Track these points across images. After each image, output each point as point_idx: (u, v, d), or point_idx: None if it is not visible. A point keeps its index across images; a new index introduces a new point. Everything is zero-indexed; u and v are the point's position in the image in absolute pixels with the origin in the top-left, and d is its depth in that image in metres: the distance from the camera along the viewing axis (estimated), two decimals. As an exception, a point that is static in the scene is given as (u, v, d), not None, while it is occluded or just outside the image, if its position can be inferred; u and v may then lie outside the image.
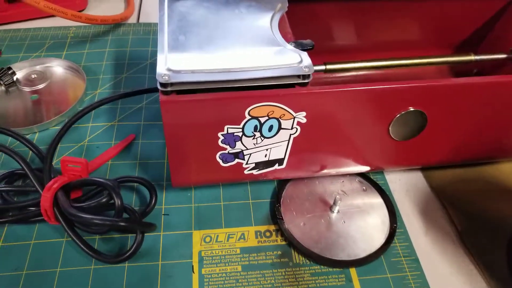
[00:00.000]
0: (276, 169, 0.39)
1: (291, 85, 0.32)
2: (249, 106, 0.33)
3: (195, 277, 0.35)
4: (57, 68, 0.54)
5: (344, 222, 0.39)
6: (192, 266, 0.36)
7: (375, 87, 0.33)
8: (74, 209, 0.32)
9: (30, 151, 0.44)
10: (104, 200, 0.34)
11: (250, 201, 0.41)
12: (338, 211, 0.39)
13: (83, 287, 0.34)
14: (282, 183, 0.42)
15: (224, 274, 0.35)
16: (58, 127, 0.47)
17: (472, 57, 0.42)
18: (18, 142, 0.41)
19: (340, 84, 0.33)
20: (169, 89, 0.31)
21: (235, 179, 0.40)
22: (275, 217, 0.39)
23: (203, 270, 0.36)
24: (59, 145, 0.45)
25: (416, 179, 0.43)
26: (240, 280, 0.35)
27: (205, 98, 0.31)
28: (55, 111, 0.48)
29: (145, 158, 0.44)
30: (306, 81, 0.32)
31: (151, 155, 0.44)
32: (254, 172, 0.39)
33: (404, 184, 0.43)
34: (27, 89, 0.51)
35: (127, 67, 0.54)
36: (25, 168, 0.37)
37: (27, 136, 0.43)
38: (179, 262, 0.36)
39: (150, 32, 0.61)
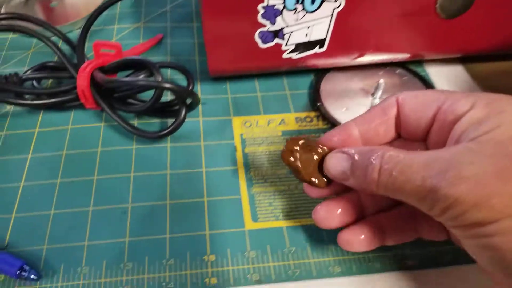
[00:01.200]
0: (316, 52, 0.37)
1: None
2: (294, -30, 0.31)
3: (239, 155, 0.34)
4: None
5: (386, 107, 0.38)
6: (235, 146, 0.35)
7: None
8: (114, 78, 0.31)
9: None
10: (142, 76, 0.33)
11: (287, 92, 0.40)
12: (381, 98, 0.38)
13: (127, 165, 0.33)
14: (319, 75, 0.40)
15: (267, 153, 0.34)
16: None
17: None
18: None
19: None
20: None
21: (273, 65, 0.38)
22: (314, 104, 0.38)
23: (246, 149, 0.35)
24: (86, 44, 0.43)
25: (457, 71, 0.42)
26: (285, 157, 0.34)
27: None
28: (76, 16, 0.47)
29: (175, 55, 0.43)
30: None
31: (181, 53, 0.43)
32: (293, 55, 0.37)
33: (446, 76, 0.42)
34: (47, -4, 0.49)
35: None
36: (59, 54, 0.36)
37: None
38: (221, 142, 0.35)
39: None
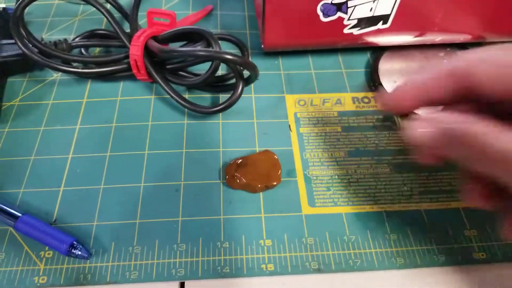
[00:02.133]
0: (379, 28, 0.35)
1: None
2: None
3: (293, 135, 0.33)
4: None
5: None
6: (289, 125, 0.33)
7: None
8: (170, 47, 0.29)
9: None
10: (199, 46, 0.31)
11: (343, 70, 0.37)
12: (443, 79, 0.36)
13: (179, 139, 0.32)
14: (377, 54, 0.38)
15: (323, 134, 0.33)
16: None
17: None
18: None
19: None
20: None
21: (332, 41, 0.36)
22: (372, 84, 0.36)
23: (300, 129, 0.33)
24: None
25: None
26: (341, 139, 0.32)
27: None
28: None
29: (226, 28, 0.41)
30: None
31: (232, 25, 0.41)
32: (355, 31, 0.35)
33: None
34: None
35: None
36: (111, 21, 0.35)
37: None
38: (274, 121, 0.33)
39: None
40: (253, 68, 0.29)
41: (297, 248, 0.27)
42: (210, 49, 0.29)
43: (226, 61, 0.29)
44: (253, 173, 0.29)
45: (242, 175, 0.28)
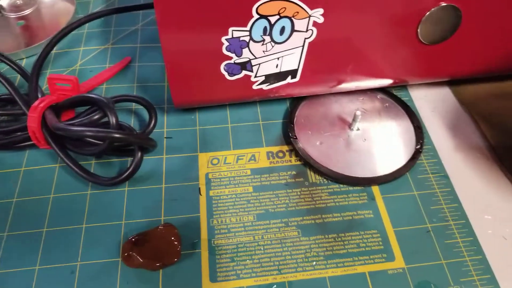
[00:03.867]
0: (288, 83, 0.34)
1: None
2: (257, 1, 0.28)
3: (203, 199, 0.32)
4: (44, -9, 0.49)
5: (365, 140, 0.35)
6: (199, 188, 0.32)
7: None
8: (63, 124, 0.28)
9: (18, 76, 0.40)
10: (96, 117, 0.30)
11: (261, 122, 0.37)
12: (358, 129, 0.36)
13: (80, 213, 0.31)
14: (295, 102, 0.38)
15: (234, 196, 0.32)
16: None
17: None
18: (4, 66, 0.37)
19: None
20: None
21: (243, 96, 0.35)
22: (288, 137, 0.35)
23: (211, 192, 0.32)
24: (48, 70, 0.41)
25: (443, 94, 0.39)
26: (251, 201, 0.32)
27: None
28: (43, 36, 0.44)
29: (143, 81, 0.40)
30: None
31: (150, 78, 0.40)
32: (264, 87, 0.34)
33: (431, 100, 0.39)
34: (12, 15, 0.47)
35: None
36: (9, 88, 0.34)
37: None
38: (184, 184, 0.32)
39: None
40: (145, 143, 0.28)
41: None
42: (99, 129, 0.28)
43: (118, 141, 0.28)
44: (151, 251, 0.28)
45: (138, 253, 0.27)
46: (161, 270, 0.28)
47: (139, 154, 0.30)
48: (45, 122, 0.32)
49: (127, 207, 0.31)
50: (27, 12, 0.47)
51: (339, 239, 0.30)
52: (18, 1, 0.48)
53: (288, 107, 0.38)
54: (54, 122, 0.29)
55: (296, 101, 0.38)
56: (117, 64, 0.41)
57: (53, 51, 0.42)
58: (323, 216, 0.31)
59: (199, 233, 0.30)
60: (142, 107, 0.37)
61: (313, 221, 0.31)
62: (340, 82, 0.35)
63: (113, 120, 0.30)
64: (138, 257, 0.27)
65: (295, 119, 0.36)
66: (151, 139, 0.30)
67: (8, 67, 0.38)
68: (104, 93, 0.39)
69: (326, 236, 0.30)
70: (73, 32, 0.41)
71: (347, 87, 0.36)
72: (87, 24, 0.45)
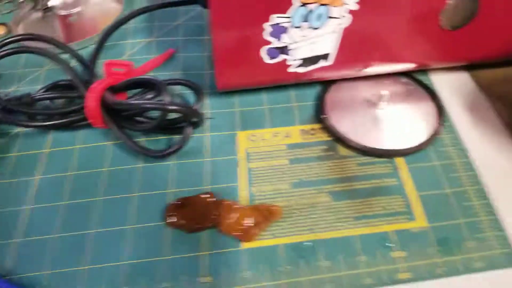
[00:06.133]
0: (322, 66, 0.38)
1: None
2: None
3: (241, 171, 0.35)
4: (93, -9, 0.54)
5: (390, 118, 0.38)
6: (237, 161, 0.36)
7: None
8: (123, 100, 0.33)
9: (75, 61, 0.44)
10: (149, 96, 0.34)
11: (294, 104, 0.40)
12: (384, 108, 0.39)
13: (133, 183, 0.35)
14: (325, 86, 0.41)
15: (271, 168, 0.36)
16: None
17: None
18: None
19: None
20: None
21: (279, 79, 0.39)
22: (319, 116, 0.39)
23: (250, 164, 0.36)
24: (100, 60, 0.45)
25: (462, 79, 0.42)
26: (287, 172, 0.35)
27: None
28: (93, 31, 0.48)
29: (185, 70, 0.44)
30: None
31: (191, 67, 0.44)
32: (299, 70, 0.38)
33: (451, 84, 0.42)
34: (63, 12, 0.51)
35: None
36: (71, 73, 0.38)
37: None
38: (226, 158, 0.36)
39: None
40: (197, 116, 0.32)
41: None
42: (157, 101, 0.32)
43: (171, 111, 0.32)
44: (192, 214, 0.31)
45: (180, 215, 0.31)
46: (202, 233, 0.32)
47: (190, 128, 0.34)
48: (104, 101, 0.36)
49: (173, 178, 0.35)
50: (76, 9, 0.51)
51: (367, 202, 0.33)
52: (69, 0, 0.53)
53: (319, 90, 0.41)
54: (114, 99, 0.34)
55: (326, 85, 0.41)
56: (162, 55, 0.45)
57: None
58: (352, 184, 0.34)
59: (237, 200, 0.34)
60: (186, 91, 0.41)
61: (342, 188, 0.34)
62: (368, 66, 0.39)
63: (167, 98, 0.34)
64: (180, 218, 0.31)
65: (325, 99, 0.40)
66: (201, 113, 0.33)
67: (67, 56, 0.42)
68: (152, 79, 0.43)
69: (355, 201, 0.33)
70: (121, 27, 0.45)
71: (374, 71, 0.40)
72: (132, 20, 0.49)
